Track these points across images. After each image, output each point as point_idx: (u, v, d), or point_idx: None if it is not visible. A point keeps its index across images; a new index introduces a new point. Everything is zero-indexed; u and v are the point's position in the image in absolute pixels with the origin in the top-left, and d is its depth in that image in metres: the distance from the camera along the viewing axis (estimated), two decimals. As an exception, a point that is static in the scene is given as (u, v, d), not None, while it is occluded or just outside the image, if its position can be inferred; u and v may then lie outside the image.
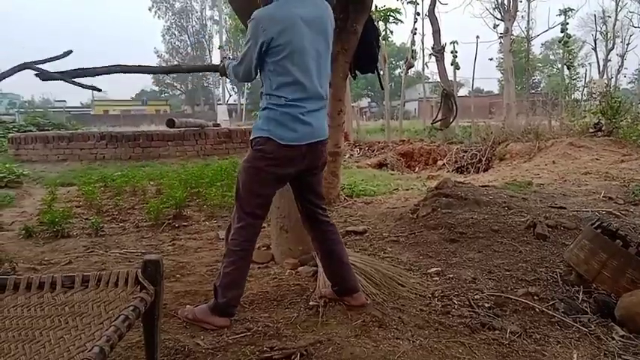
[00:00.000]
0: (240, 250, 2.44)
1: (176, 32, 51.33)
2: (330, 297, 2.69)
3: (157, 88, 55.30)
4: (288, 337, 2.27)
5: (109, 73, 3.08)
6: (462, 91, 31.11)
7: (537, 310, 2.68)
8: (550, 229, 3.85)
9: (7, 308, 1.64)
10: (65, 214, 4.56)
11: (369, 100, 53.42)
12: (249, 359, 2.08)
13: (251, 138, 2.44)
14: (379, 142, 13.20)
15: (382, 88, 7.49)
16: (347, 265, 2.69)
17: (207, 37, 51.88)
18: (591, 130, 10.12)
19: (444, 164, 10.74)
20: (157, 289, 1.76)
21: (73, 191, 6.24)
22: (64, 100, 46.77)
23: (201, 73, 50.82)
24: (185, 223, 4.73)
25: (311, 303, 2.63)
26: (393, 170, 10.40)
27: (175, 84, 53.03)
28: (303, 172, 2.49)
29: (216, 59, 48.79)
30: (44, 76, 2.87)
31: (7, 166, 7.29)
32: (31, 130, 10.71)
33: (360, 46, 4.71)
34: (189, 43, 51.73)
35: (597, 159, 7.83)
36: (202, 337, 2.28)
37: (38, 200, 5.32)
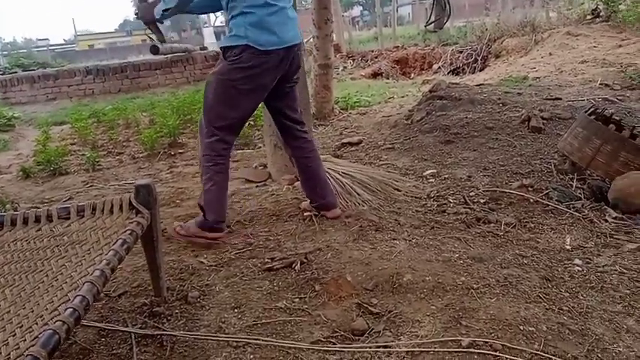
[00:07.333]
0: (213, 164, 2.37)
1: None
2: (309, 210, 2.69)
3: (140, 17, 53.07)
4: (289, 248, 2.33)
5: None
6: (456, -11, 29.78)
7: (531, 200, 2.73)
8: (545, 122, 3.83)
9: (7, 243, 1.67)
10: (60, 152, 4.56)
11: (361, 7, 51.42)
12: (252, 271, 2.15)
13: (223, 46, 2.30)
14: (373, 52, 12.83)
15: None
16: (323, 182, 2.66)
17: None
18: (589, 17, 9.76)
19: (439, 67, 10.51)
20: (152, 212, 1.78)
21: (66, 129, 6.19)
22: (47, 39, 45.29)
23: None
24: (181, 151, 4.73)
25: (305, 214, 2.67)
26: (387, 79, 10.21)
27: (158, 10, 50.84)
28: (280, 81, 2.40)
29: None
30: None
31: (-3, 110, 7.20)
32: (16, 72, 10.44)
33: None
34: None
35: (595, 46, 7.61)
36: (205, 255, 2.34)
37: (32, 141, 5.29)
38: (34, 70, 10.74)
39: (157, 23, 2.56)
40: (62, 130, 6.18)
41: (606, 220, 2.51)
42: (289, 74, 2.43)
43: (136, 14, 2.53)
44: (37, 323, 1.22)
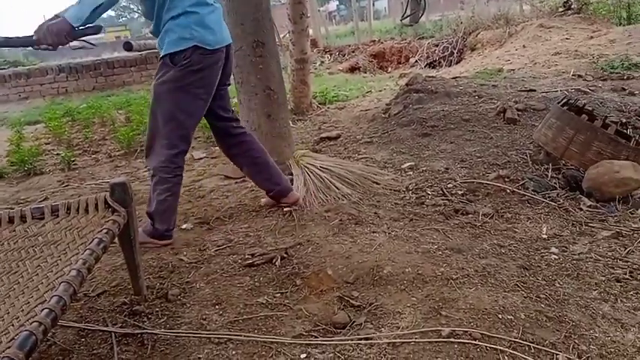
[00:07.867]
0: (172, 176, 2.33)
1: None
2: (270, 205, 2.73)
3: (113, 13, 52.33)
4: (269, 244, 2.33)
5: None
6: (431, -17, 29.88)
7: (508, 191, 2.77)
8: (520, 113, 3.88)
9: (-20, 245, 1.64)
10: (34, 151, 4.46)
11: (338, 2, 51.31)
12: (232, 267, 2.14)
13: (168, 53, 2.18)
14: (350, 46, 12.84)
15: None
16: (274, 168, 2.67)
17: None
18: (561, 10, 9.92)
19: (416, 61, 10.56)
20: (128, 211, 1.76)
21: (40, 129, 6.06)
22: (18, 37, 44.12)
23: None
24: (158, 148, 4.67)
25: (285, 209, 2.67)
26: (365, 73, 10.23)
27: (132, 6, 50.13)
28: (219, 82, 2.37)
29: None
30: None
31: (-33, 110, 7.02)
32: (-14, 71, 10.26)
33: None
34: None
35: (567, 38, 7.74)
36: (185, 252, 2.33)
37: (5, 141, 5.16)
38: (5, 68, 10.51)
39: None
40: (36, 130, 6.04)
41: (581, 209, 2.55)
42: (226, 75, 2.42)
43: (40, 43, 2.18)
44: (13, 325, 1.20)
